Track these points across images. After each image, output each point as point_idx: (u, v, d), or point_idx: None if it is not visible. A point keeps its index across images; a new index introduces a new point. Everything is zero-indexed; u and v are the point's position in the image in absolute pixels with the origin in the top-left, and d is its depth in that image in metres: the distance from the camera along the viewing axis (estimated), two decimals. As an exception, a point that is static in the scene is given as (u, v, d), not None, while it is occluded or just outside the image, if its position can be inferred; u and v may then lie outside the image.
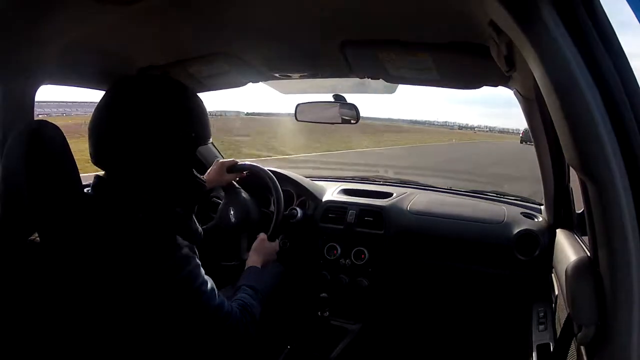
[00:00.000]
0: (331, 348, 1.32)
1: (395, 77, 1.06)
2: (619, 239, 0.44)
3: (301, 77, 1.19)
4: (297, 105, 1.38)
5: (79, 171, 0.69)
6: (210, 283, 0.72)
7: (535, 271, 1.17)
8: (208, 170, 1.22)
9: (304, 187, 1.49)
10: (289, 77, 1.19)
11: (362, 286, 1.38)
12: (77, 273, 0.64)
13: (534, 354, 0.93)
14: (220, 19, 0.84)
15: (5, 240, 0.67)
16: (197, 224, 0.80)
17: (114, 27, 0.83)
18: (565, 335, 0.67)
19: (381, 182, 1.69)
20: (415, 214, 1.38)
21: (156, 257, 0.65)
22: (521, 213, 1.33)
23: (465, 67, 0.92)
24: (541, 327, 1.00)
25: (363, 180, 1.74)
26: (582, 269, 0.52)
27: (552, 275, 1.05)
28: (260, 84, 1.27)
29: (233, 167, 1.23)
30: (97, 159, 0.70)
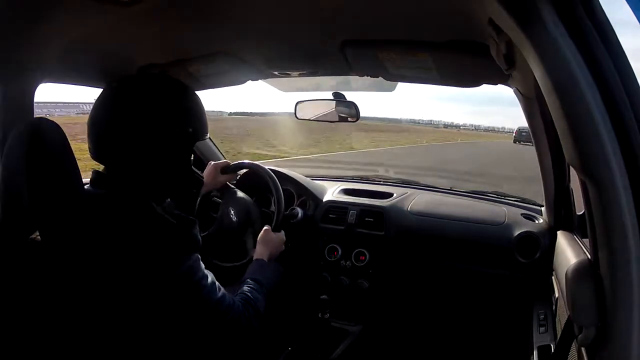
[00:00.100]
0: (332, 350, 1.32)
1: (395, 76, 1.06)
2: (619, 239, 0.44)
3: (300, 75, 1.19)
4: (297, 103, 1.38)
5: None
6: (210, 277, 0.72)
7: (536, 273, 1.17)
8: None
9: (304, 186, 1.48)
10: (288, 75, 1.19)
11: (362, 288, 1.37)
12: (78, 270, 0.64)
13: (535, 356, 0.93)
14: (220, 19, 0.84)
15: (5, 240, 0.68)
16: (197, 228, 0.80)
17: (114, 27, 0.83)
18: (565, 336, 0.67)
19: (382, 182, 1.69)
20: (416, 215, 1.38)
21: (156, 251, 0.65)
22: (521, 214, 1.33)
23: (465, 66, 0.92)
24: (542, 328, 1.00)
25: (363, 180, 1.74)
26: (583, 271, 0.51)
27: (553, 277, 1.05)
28: (258, 82, 1.27)
29: (227, 168, 1.22)
30: (97, 154, 0.70)
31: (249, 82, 1.27)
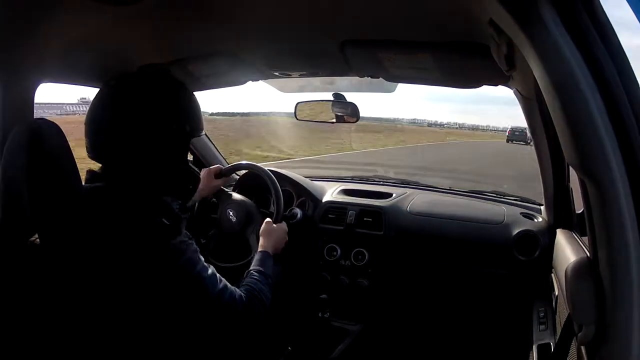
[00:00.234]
0: (331, 349, 1.32)
1: (395, 76, 1.06)
2: (618, 238, 0.44)
3: (301, 75, 1.19)
4: (297, 104, 1.38)
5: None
6: (211, 269, 0.72)
7: (536, 271, 1.17)
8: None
9: (303, 187, 1.48)
10: (288, 76, 1.19)
11: (362, 287, 1.38)
12: (77, 270, 0.64)
13: (535, 354, 0.93)
14: (220, 19, 0.84)
15: (5, 241, 0.67)
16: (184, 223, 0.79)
17: (114, 27, 0.83)
18: (565, 335, 0.67)
19: (381, 182, 1.69)
20: (415, 215, 1.38)
21: (153, 246, 0.66)
22: (521, 213, 1.33)
23: (465, 67, 0.92)
24: (542, 326, 1.00)
25: (362, 180, 1.74)
26: (582, 269, 0.52)
27: (552, 275, 1.05)
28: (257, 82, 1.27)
29: (220, 172, 1.22)
30: (94, 152, 0.71)
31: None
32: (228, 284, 0.75)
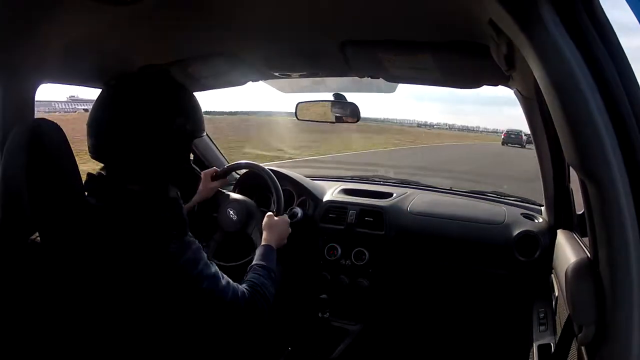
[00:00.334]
0: (332, 349, 1.32)
1: (395, 76, 1.06)
2: (618, 238, 0.44)
3: (301, 76, 1.19)
4: (297, 104, 1.38)
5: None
6: (213, 267, 0.72)
7: (536, 272, 1.17)
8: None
9: (304, 186, 1.49)
10: (288, 76, 1.19)
11: (362, 287, 1.38)
12: (78, 269, 0.64)
13: (535, 354, 0.93)
14: (220, 19, 0.84)
15: (5, 240, 0.68)
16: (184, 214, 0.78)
17: (114, 27, 0.83)
18: (566, 335, 0.67)
19: (381, 182, 1.69)
20: (416, 215, 1.38)
21: (154, 245, 0.66)
22: (521, 214, 1.33)
23: (465, 67, 0.92)
24: (542, 327, 1.00)
25: (363, 180, 1.74)
26: (582, 270, 0.52)
27: (552, 275, 1.05)
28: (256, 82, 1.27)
29: (217, 174, 1.22)
30: (97, 152, 0.71)
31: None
32: (231, 281, 0.74)
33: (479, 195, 1.56)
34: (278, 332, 1.35)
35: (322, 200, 1.47)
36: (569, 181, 1.08)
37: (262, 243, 0.96)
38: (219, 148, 1.62)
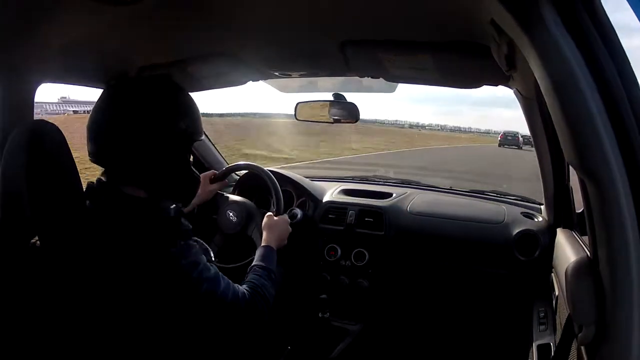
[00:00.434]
0: (331, 349, 1.32)
1: (395, 76, 1.06)
2: (618, 237, 0.44)
3: (301, 75, 1.19)
4: (297, 104, 1.38)
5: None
6: (213, 269, 0.72)
7: (536, 271, 1.17)
8: None
9: (303, 187, 1.48)
10: (288, 76, 1.19)
11: (362, 287, 1.38)
12: (79, 273, 0.64)
13: (535, 354, 0.93)
14: (220, 19, 0.84)
15: (5, 241, 0.67)
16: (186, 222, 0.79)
17: (114, 27, 0.83)
18: (566, 335, 0.67)
19: (381, 182, 1.69)
20: (416, 215, 1.38)
21: (153, 249, 0.65)
22: (521, 213, 1.34)
23: (465, 67, 0.92)
24: (542, 327, 1.00)
25: (363, 180, 1.74)
26: (582, 269, 0.52)
27: (552, 275, 1.05)
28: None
29: (215, 177, 1.22)
30: (97, 156, 0.70)
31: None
32: (231, 282, 0.74)
33: (479, 194, 1.56)
34: (278, 331, 1.35)
35: (321, 200, 1.47)
36: (568, 180, 1.08)
37: (263, 243, 0.96)
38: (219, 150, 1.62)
